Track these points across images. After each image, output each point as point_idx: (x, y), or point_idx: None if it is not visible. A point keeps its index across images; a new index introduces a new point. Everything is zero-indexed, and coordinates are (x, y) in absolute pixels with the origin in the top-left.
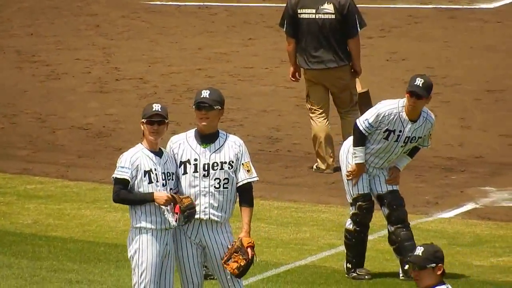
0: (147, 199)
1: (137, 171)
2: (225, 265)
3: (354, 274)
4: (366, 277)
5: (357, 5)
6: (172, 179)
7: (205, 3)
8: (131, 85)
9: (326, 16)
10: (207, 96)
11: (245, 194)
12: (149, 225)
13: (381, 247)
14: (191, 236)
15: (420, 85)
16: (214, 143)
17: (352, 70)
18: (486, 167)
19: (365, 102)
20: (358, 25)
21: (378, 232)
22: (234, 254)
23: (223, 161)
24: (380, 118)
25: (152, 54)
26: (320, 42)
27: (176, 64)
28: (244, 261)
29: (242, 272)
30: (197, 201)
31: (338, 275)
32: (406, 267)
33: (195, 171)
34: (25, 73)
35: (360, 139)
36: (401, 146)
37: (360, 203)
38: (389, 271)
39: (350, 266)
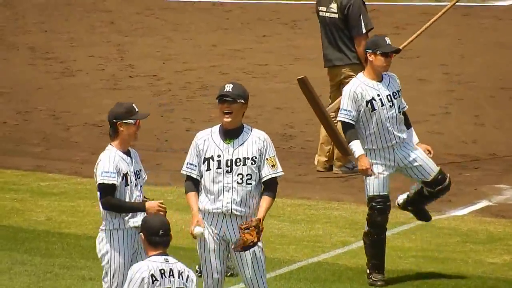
0: (140, 208)
1: (118, 175)
2: (241, 232)
3: (370, 280)
4: (379, 283)
5: (370, 2)
6: (140, 176)
7: (219, 0)
8: (145, 82)
9: (332, 15)
10: (230, 90)
11: (269, 187)
12: (122, 225)
13: (394, 244)
14: (215, 230)
15: (391, 43)
16: (238, 138)
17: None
18: (500, 165)
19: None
20: (363, 26)
21: (391, 230)
22: (253, 227)
23: (246, 156)
24: (353, 99)
25: (166, 51)
26: (329, 40)
27: (190, 61)
28: (257, 239)
29: (247, 247)
30: (220, 197)
31: (351, 273)
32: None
33: (218, 167)
34: (39, 69)
35: (351, 132)
36: (390, 106)
37: (372, 203)
38: (403, 269)
39: (368, 271)
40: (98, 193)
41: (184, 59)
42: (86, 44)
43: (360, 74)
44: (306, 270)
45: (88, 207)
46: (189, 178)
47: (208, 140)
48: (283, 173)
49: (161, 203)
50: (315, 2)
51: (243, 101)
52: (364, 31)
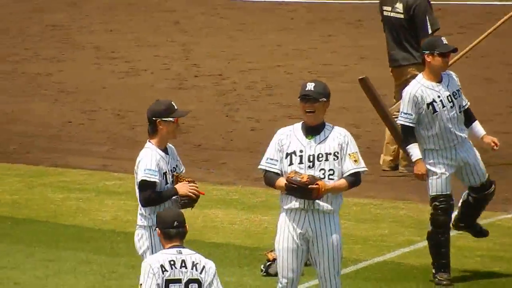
0: (173, 194)
1: (159, 173)
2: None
3: (436, 280)
4: (444, 282)
5: (435, 2)
6: (177, 171)
7: (284, 0)
8: (210, 82)
9: (398, 15)
10: (312, 89)
11: (352, 179)
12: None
13: (460, 244)
14: (297, 228)
15: (448, 43)
16: (320, 134)
17: None
18: None
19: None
20: (429, 26)
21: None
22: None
23: (328, 152)
24: (413, 102)
25: (231, 51)
26: (395, 40)
27: (255, 61)
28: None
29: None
30: None
31: (417, 272)
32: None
33: (301, 162)
34: (104, 69)
35: (409, 136)
36: (451, 107)
37: (435, 203)
38: (469, 268)
39: (434, 271)
40: (137, 190)
41: (249, 59)
42: (151, 43)
43: (419, 76)
44: (371, 270)
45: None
46: (268, 172)
47: (290, 135)
48: (366, 169)
49: (190, 181)
50: (378, 1)
51: (325, 99)
52: (430, 31)
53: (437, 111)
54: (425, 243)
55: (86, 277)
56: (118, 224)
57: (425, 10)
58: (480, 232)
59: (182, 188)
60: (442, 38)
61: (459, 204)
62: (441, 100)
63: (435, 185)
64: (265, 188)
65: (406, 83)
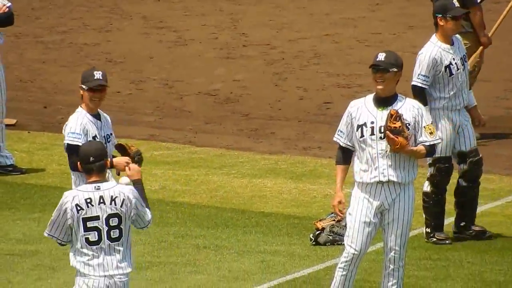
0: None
1: (86, 137)
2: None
3: (434, 239)
4: (447, 241)
5: None
6: (110, 140)
7: None
8: (258, 51)
9: None
10: (383, 59)
11: (428, 149)
12: None
13: (509, 212)
14: (373, 201)
15: (457, 4)
16: (392, 106)
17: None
18: None
19: None
20: None
21: (506, 197)
22: (402, 135)
23: None
24: (433, 65)
25: (279, 20)
26: None
27: (303, 30)
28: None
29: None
30: (376, 164)
31: (465, 240)
32: (463, 224)
33: (372, 133)
34: (152, 39)
35: (422, 97)
36: (463, 70)
37: (439, 164)
38: None
39: (429, 231)
40: (66, 154)
41: (297, 28)
42: (199, 13)
43: (434, 39)
44: (421, 238)
45: (202, 176)
46: (340, 147)
47: (361, 107)
48: (440, 141)
49: (135, 150)
50: None
51: (396, 70)
52: (478, 0)
53: (453, 74)
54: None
55: (135, 247)
56: (166, 193)
57: None
58: (477, 235)
59: (119, 161)
60: (453, 1)
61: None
62: (456, 63)
63: (440, 147)
64: (313, 157)
65: None
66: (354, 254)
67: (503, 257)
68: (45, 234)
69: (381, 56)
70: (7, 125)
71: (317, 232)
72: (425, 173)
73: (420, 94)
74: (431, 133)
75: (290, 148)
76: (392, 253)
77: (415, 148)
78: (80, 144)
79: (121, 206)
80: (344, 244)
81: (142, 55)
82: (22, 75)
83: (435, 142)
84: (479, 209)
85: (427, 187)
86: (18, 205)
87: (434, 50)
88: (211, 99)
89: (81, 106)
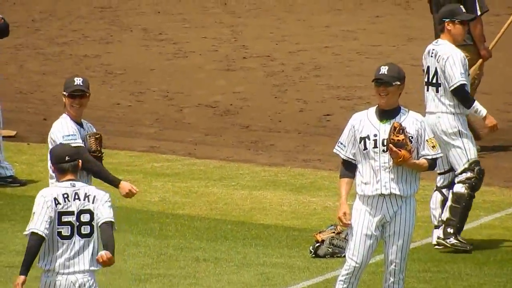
0: (115, 183)
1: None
2: (398, 149)
3: (455, 241)
4: (468, 247)
5: None
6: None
7: None
8: (258, 63)
9: None
10: (385, 72)
11: (430, 163)
12: None
13: (509, 224)
14: (375, 214)
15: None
16: (395, 119)
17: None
18: None
19: None
20: (478, 9)
21: (506, 210)
22: (406, 148)
23: None
24: (464, 63)
25: (280, 32)
26: None
27: (303, 42)
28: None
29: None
30: (378, 177)
31: (464, 253)
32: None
33: (375, 146)
34: (152, 51)
35: (469, 96)
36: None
37: (478, 167)
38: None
39: (452, 231)
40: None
41: (297, 40)
42: (199, 25)
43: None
44: (420, 251)
45: (201, 188)
46: (343, 161)
47: (364, 120)
48: (442, 155)
49: (97, 137)
50: None
51: (398, 83)
52: (479, 13)
53: (468, 76)
54: (473, 224)
55: (135, 259)
56: (166, 205)
57: None
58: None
59: (126, 186)
60: (461, 6)
61: (446, 212)
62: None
63: (472, 150)
64: (313, 169)
65: None
66: (355, 266)
67: (502, 269)
68: (26, 233)
69: (384, 70)
70: (7, 137)
71: (317, 244)
72: (424, 185)
73: (466, 92)
74: (433, 146)
75: (290, 160)
76: (392, 266)
77: (417, 161)
78: (81, 144)
79: (93, 203)
80: (343, 256)
81: (142, 67)
82: (22, 87)
83: (437, 156)
84: (479, 221)
85: (461, 188)
86: (17, 217)
87: (458, 50)
88: (211, 111)
89: (65, 113)
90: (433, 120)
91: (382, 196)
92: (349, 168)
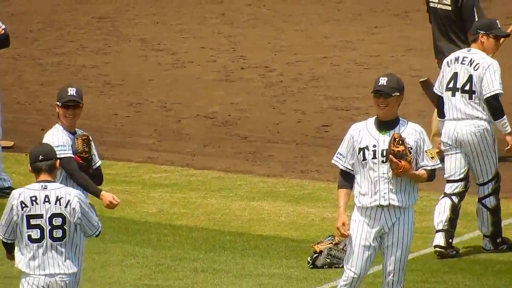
0: (97, 193)
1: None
2: (399, 160)
3: (505, 246)
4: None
5: None
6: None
7: None
8: (256, 74)
9: (444, 7)
10: (385, 84)
11: (429, 173)
12: None
13: (507, 235)
14: (373, 225)
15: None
16: (394, 129)
17: None
18: None
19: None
20: (476, 19)
21: (504, 220)
22: (406, 159)
23: None
24: (500, 74)
25: (278, 43)
26: (441, 32)
27: (302, 52)
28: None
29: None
30: (377, 188)
31: (463, 263)
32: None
33: (374, 157)
34: (150, 61)
35: (502, 107)
36: None
37: (498, 176)
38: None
39: (499, 241)
40: (61, 168)
41: (295, 51)
42: (198, 35)
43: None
44: (418, 261)
45: (200, 199)
46: (341, 171)
47: (363, 130)
48: (441, 165)
49: (84, 139)
50: None
51: (398, 94)
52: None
53: None
54: (471, 234)
55: (132, 270)
56: (164, 216)
57: (473, 2)
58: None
59: (107, 196)
60: (497, 21)
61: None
62: None
63: (497, 159)
64: (311, 180)
65: None
66: (353, 277)
67: (501, 279)
68: None
69: (383, 81)
70: (4, 148)
71: (315, 255)
72: (423, 196)
73: (499, 102)
74: (432, 157)
75: (288, 171)
76: (390, 277)
77: (417, 172)
78: (71, 155)
79: (65, 207)
80: (341, 267)
81: (140, 78)
82: (20, 97)
83: (436, 166)
84: (478, 231)
85: (494, 200)
86: None
87: (496, 61)
88: (210, 121)
89: (57, 123)
90: (469, 127)
91: (381, 207)
92: (347, 178)
